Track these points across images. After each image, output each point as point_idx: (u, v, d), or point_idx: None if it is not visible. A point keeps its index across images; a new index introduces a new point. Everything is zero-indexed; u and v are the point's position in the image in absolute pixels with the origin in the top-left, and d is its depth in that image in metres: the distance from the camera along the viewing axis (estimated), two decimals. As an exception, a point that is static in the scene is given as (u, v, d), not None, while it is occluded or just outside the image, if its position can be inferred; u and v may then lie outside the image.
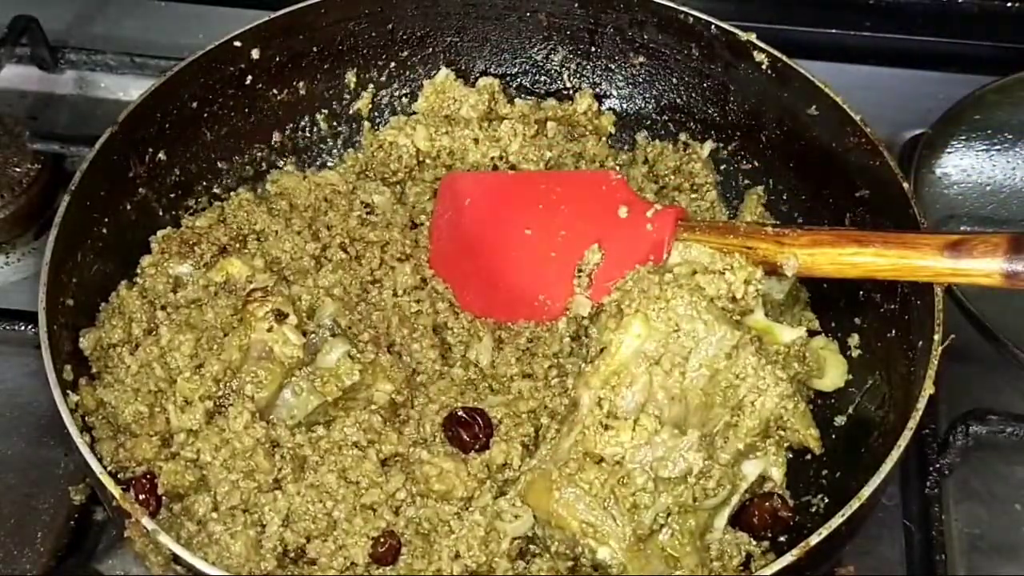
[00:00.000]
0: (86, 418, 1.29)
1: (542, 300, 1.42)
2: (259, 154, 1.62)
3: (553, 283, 1.42)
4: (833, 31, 1.92)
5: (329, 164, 1.66)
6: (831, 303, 1.47)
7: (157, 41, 1.90)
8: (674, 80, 1.63)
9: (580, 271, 1.41)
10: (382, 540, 1.23)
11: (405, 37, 1.65)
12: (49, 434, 1.44)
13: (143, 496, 1.22)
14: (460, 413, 1.32)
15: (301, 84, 1.61)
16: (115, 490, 1.14)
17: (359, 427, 1.29)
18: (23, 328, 1.49)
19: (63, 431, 1.21)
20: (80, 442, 1.18)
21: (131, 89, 1.84)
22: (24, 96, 1.86)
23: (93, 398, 1.30)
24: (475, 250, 1.49)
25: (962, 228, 1.63)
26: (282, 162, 1.63)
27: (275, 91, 1.59)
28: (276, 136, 1.62)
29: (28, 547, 1.36)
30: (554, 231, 1.44)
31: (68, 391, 1.25)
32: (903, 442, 1.17)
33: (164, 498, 1.25)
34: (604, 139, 1.66)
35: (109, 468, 1.25)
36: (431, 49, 1.67)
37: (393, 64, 1.66)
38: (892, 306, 1.36)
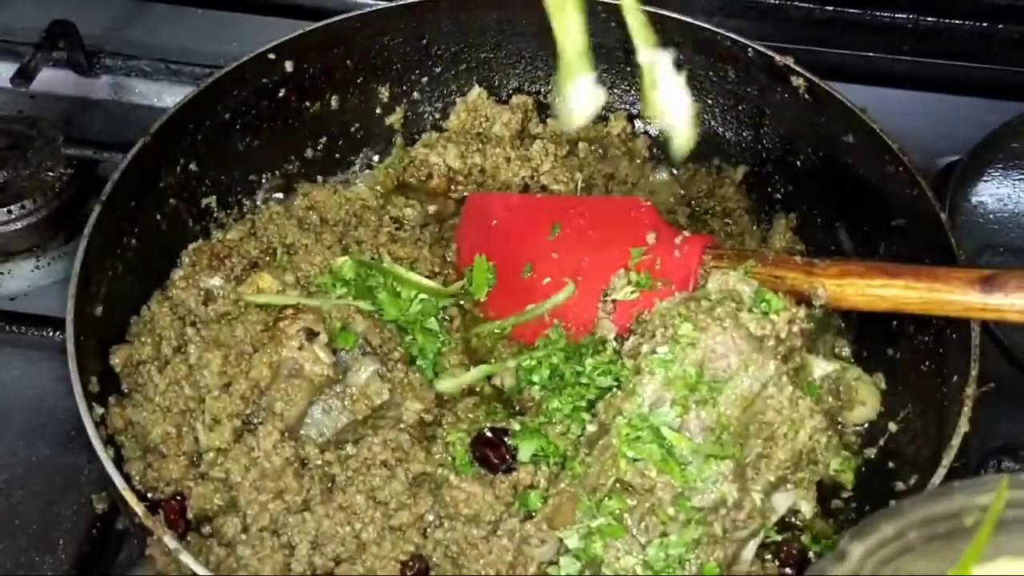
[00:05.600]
0: (115, 437, 1.29)
1: (566, 323, 1.41)
2: (290, 167, 1.62)
3: (578, 307, 1.41)
4: (869, 54, 1.91)
5: (360, 179, 1.66)
6: (863, 333, 1.46)
7: (192, 48, 1.91)
8: (709, 102, 1.62)
9: (606, 295, 1.40)
10: (411, 563, 1.22)
11: (439, 53, 1.65)
12: (73, 441, 1.44)
13: (172, 518, 1.22)
14: (487, 434, 1.31)
15: (334, 98, 1.61)
16: (138, 507, 1.14)
17: (387, 445, 1.28)
18: (51, 334, 1.49)
19: (87, 440, 1.20)
20: (104, 456, 1.18)
21: (165, 95, 1.85)
22: (59, 100, 1.87)
23: (122, 418, 1.30)
24: (500, 271, 1.48)
25: (997, 260, 1.60)
26: (313, 175, 1.63)
27: (308, 104, 1.59)
28: (308, 149, 1.62)
29: (50, 554, 1.36)
30: (581, 256, 1.43)
31: (94, 403, 1.25)
32: (937, 479, 1.16)
33: (193, 520, 1.24)
34: (637, 161, 1.65)
35: (138, 487, 1.25)
36: (465, 65, 1.66)
37: (426, 79, 1.66)
38: (926, 338, 1.35)
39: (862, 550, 0.71)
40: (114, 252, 1.39)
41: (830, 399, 1.30)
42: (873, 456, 1.36)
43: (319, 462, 1.27)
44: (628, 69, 1.65)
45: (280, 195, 1.60)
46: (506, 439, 1.31)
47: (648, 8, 1.56)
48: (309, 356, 1.26)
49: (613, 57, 1.64)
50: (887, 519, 0.75)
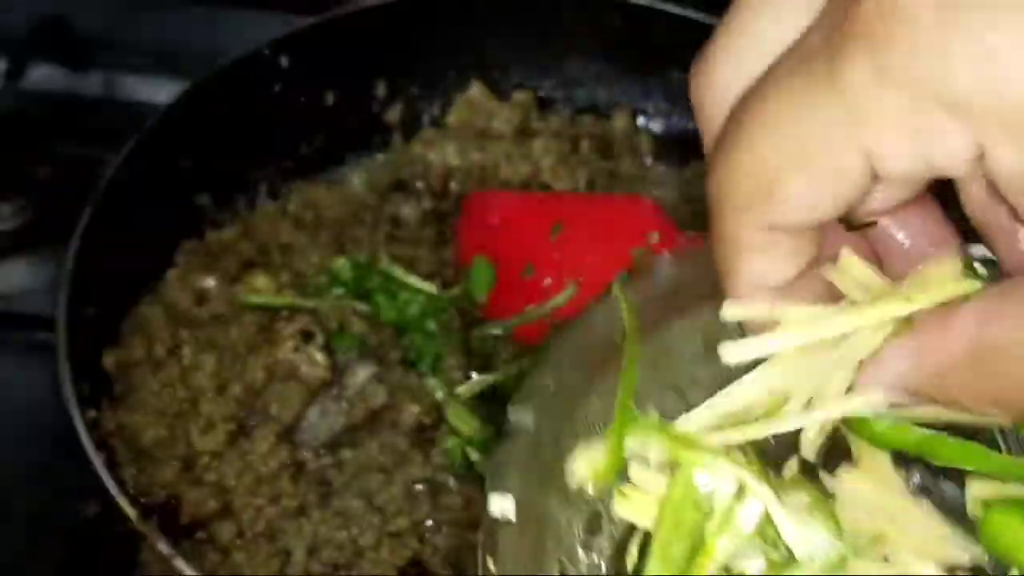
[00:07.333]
0: (107, 441, 1.28)
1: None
2: (286, 165, 1.59)
3: (580, 308, 1.39)
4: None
5: (357, 176, 1.63)
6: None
7: (186, 44, 1.88)
8: (713, 98, 1.60)
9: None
10: (409, 569, 1.21)
11: (438, 47, 1.63)
12: (63, 445, 1.41)
13: (166, 523, 1.20)
14: (487, 438, 1.30)
15: (330, 94, 1.59)
16: (131, 512, 1.12)
17: (385, 449, 1.27)
18: (41, 335, 1.47)
19: (78, 444, 1.19)
20: (96, 460, 1.17)
21: (159, 92, 1.82)
22: (50, 97, 1.85)
23: (114, 421, 1.29)
24: (501, 271, 1.46)
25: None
26: (309, 173, 1.60)
27: (303, 100, 1.57)
28: (303, 146, 1.60)
29: (40, 561, 1.34)
30: (582, 255, 1.41)
31: (85, 406, 1.23)
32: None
33: (187, 525, 1.23)
34: (640, 159, 1.63)
35: (130, 492, 1.23)
36: (465, 60, 1.64)
37: (425, 75, 1.64)
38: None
39: None
40: (107, 253, 1.36)
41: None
42: None
43: (315, 466, 1.25)
44: (631, 64, 1.64)
45: (275, 193, 1.58)
46: (506, 442, 1.30)
47: (648, 4, 1.57)
48: (305, 358, 1.25)
49: (617, 51, 1.63)
50: None
